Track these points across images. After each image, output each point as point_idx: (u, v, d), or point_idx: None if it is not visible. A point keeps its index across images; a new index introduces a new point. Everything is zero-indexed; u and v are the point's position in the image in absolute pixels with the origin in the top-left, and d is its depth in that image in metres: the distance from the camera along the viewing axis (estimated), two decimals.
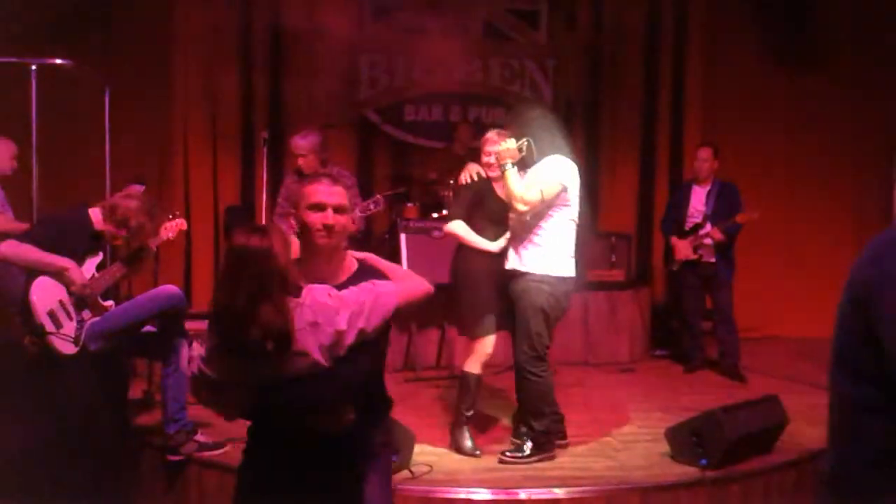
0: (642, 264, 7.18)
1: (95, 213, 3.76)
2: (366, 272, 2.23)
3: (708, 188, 5.73)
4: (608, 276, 6.27)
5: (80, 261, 3.65)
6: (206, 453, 3.77)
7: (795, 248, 7.06)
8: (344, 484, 2.13)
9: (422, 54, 6.79)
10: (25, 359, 3.56)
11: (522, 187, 3.65)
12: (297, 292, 2.02)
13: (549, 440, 3.85)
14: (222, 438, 3.81)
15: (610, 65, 7.30)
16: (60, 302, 3.56)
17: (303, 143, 4.91)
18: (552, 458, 3.84)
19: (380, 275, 2.22)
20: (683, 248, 5.71)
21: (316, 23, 6.43)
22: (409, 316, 5.50)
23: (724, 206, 5.59)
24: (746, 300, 6.06)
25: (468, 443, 3.91)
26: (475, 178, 4.04)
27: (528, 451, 3.78)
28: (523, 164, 3.76)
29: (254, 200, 6.55)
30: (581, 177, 3.82)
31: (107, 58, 6.03)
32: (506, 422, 4.35)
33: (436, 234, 5.29)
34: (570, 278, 3.76)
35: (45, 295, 3.51)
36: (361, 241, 5.14)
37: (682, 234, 5.78)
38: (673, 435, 3.87)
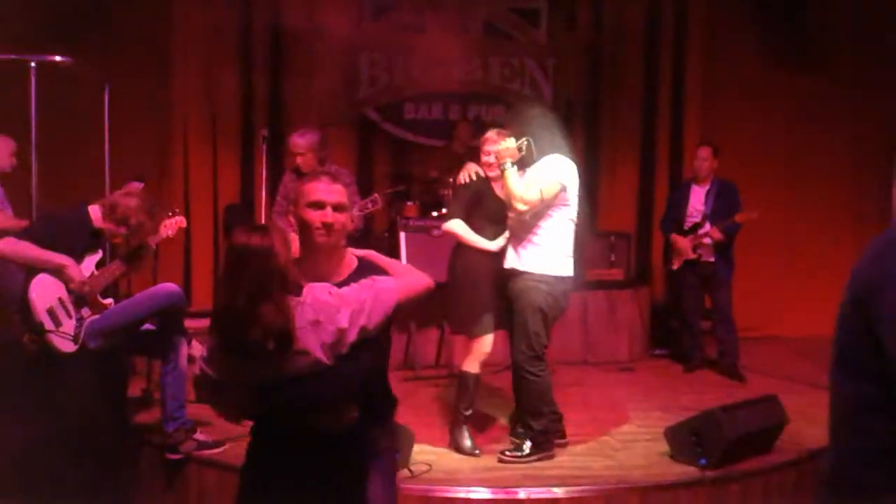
0: (642, 264, 7.17)
1: (95, 211, 3.76)
2: (366, 269, 2.22)
3: (707, 187, 5.73)
4: (607, 275, 6.27)
5: (79, 258, 3.65)
6: (206, 452, 3.77)
7: (795, 247, 7.06)
8: (347, 483, 2.12)
9: (422, 53, 6.77)
10: (24, 357, 3.56)
11: (522, 187, 3.65)
12: (298, 291, 2.01)
13: (547, 439, 3.85)
14: (221, 437, 3.80)
15: (610, 64, 7.29)
16: (60, 300, 3.56)
17: (301, 142, 4.91)
18: (551, 457, 3.84)
19: (380, 271, 2.22)
20: (684, 245, 5.70)
21: (316, 21, 6.43)
22: (408, 315, 5.50)
23: (723, 205, 5.59)
24: (745, 300, 6.06)
25: (467, 442, 3.91)
26: (473, 178, 4.04)
27: (527, 451, 3.78)
28: (522, 164, 3.75)
29: (253, 199, 6.55)
30: (580, 176, 3.82)
31: (107, 57, 6.03)
32: (504, 421, 4.35)
33: (435, 232, 5.29)
34: (569, 278, 3.76)
35: (44, 293, 3.50)
36: (360, 239, 5.13)
37: (682, 234, 5.78)
38: (672, 434, 3.87)
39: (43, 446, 3.67)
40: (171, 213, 4.22)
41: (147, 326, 3.82)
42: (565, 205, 3.72)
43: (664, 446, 3.90)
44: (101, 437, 3.82)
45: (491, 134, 4.00)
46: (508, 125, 3.89)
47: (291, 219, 2.24)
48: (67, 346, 3.55)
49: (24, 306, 3.46)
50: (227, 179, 6.88)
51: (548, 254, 3.71)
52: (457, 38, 6.73)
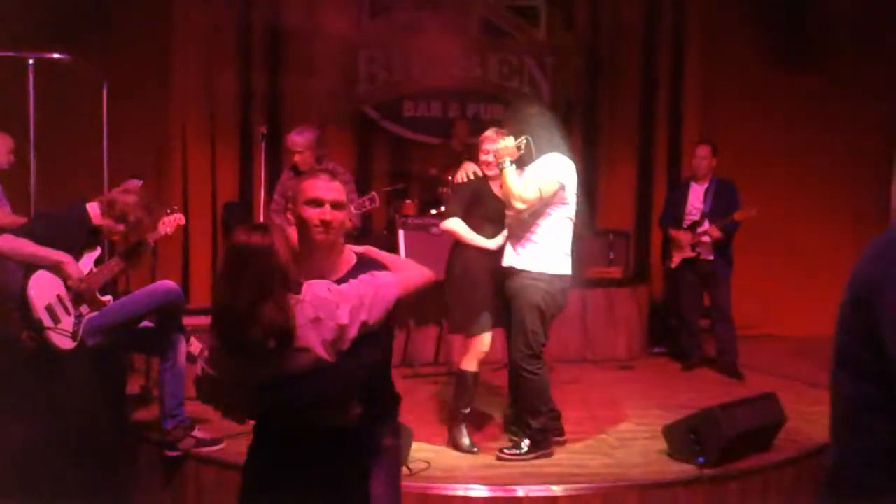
0: (640, 262, 7.18)
1: (93, 208, 3.75)
2: (365, 265, 2.22)
3: (706, 186, 5.72)
4: (606, 273, 6.28)
5: (77, 255, 3.64)
6: (204, 449, 3.77)
7: (794, 246, 7.05)
8: (349, 481, 2.12)
9: (420, 50, 6.77)
10: (23, 354, 3.55)
11: (521, 185, 3.65)
12: (298, 289, 2.01)
13: (546, 437, 3.85)
14: (220, 434, 3.80)
15: (609, 62, 7.29)
16: (58, 297, 3.55)
17: (299, 140, 4.91)
18: (550, 455, 3.84)
19: (379, 266, 2.21)
20: (683, 238, 5.70)
21: (314, 19, 6.43)
22: (407, 312, 5.50)
23: (721, 203, 5.59)
24: (744, 298, 6.05)
25: (466, 440, 3.91)
26: (471, 177, 4.04)
27: (525, 449, 3.79)
28: (521, 162, 3.75)
29: (252, 196, 6.56)
30: (579, 174, 3.82)
31: (106, 55, 6.02)
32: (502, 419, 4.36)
33: (434, 230, 5.29)
34: (567, 276, 3.76)
35: (42, 290, 3.50)
36: (359, 237, 5.13)
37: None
38: (671, 432, 3.87)
39: (42, 444, 3.66)
40: (169, 211, 4.21)
41: (145, 323, 3.82)
42: (564, 203, 3.72)
43: (662, 444, 3.91)
44: (99, 435, 3.82)
45: (490, 133, 3.99)
46: (507, 124, 3.89)
47: (290, 216, 2.23)
48: (66, 343, 3.55)
49: (23, 303, 3.46)
50: (226, 177, 6.88)
51: (546, 252, 3.70)
52: (455, 36, 6.73)
